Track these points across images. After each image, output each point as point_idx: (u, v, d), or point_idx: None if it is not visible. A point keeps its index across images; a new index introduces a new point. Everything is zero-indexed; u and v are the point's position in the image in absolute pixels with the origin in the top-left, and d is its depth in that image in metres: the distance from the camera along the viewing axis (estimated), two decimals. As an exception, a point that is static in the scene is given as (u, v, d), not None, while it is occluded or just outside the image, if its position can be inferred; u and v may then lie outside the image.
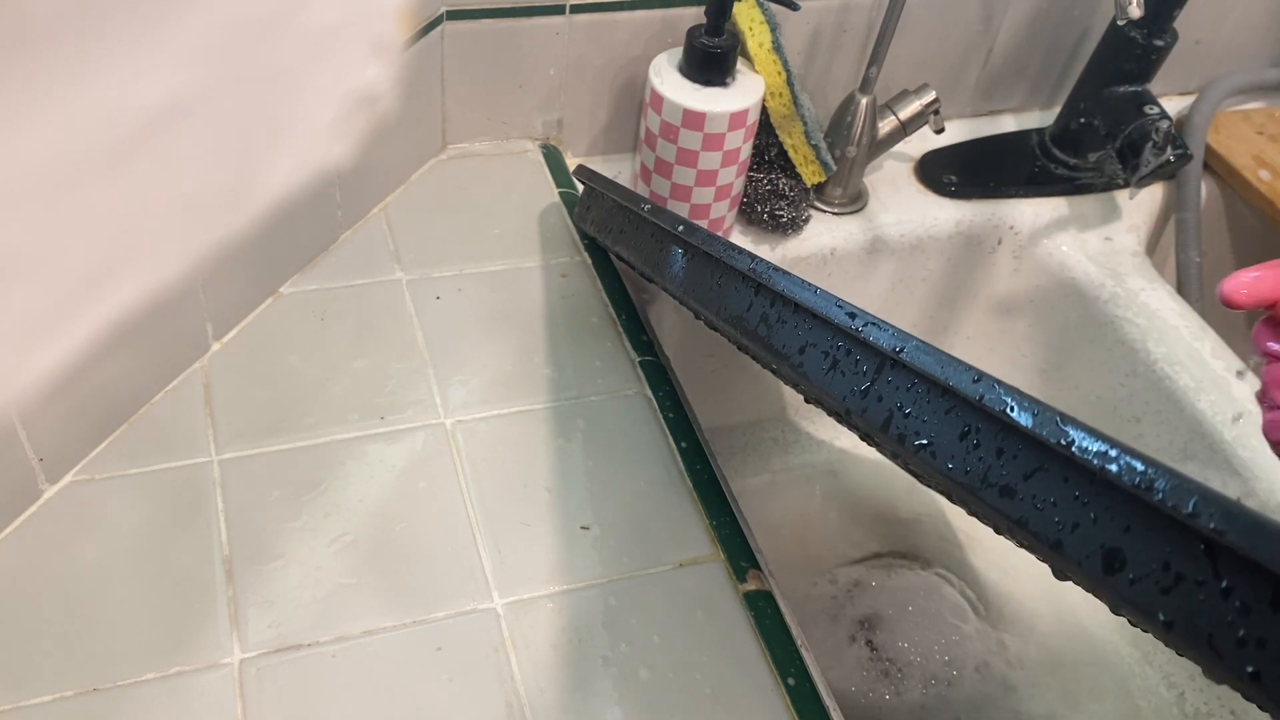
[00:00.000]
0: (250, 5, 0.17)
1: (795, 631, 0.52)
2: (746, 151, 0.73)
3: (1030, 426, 0.28)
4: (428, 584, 0.52)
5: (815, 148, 0.77)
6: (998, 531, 0.35)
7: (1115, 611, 0.28)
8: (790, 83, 0.74)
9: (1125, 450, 0.25)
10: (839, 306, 0.37)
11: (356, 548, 0.53)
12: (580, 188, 0.74)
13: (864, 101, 0.77)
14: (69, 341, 0.16)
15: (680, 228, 0.50)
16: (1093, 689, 0.78)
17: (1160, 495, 0.24)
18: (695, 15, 0.73)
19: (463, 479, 0.57)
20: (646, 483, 0.58)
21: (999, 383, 0.30)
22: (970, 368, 0.31)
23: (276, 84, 0.18)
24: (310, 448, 0.57)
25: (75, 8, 0.14)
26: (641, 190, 0.75)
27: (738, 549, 0.55)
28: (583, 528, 0.55)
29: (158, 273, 0.17)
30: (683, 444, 0.60)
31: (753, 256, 0.44)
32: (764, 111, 0.74)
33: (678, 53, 0.72)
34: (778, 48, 0.73)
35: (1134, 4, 0.72)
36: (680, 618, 0.52)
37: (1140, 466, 0.25)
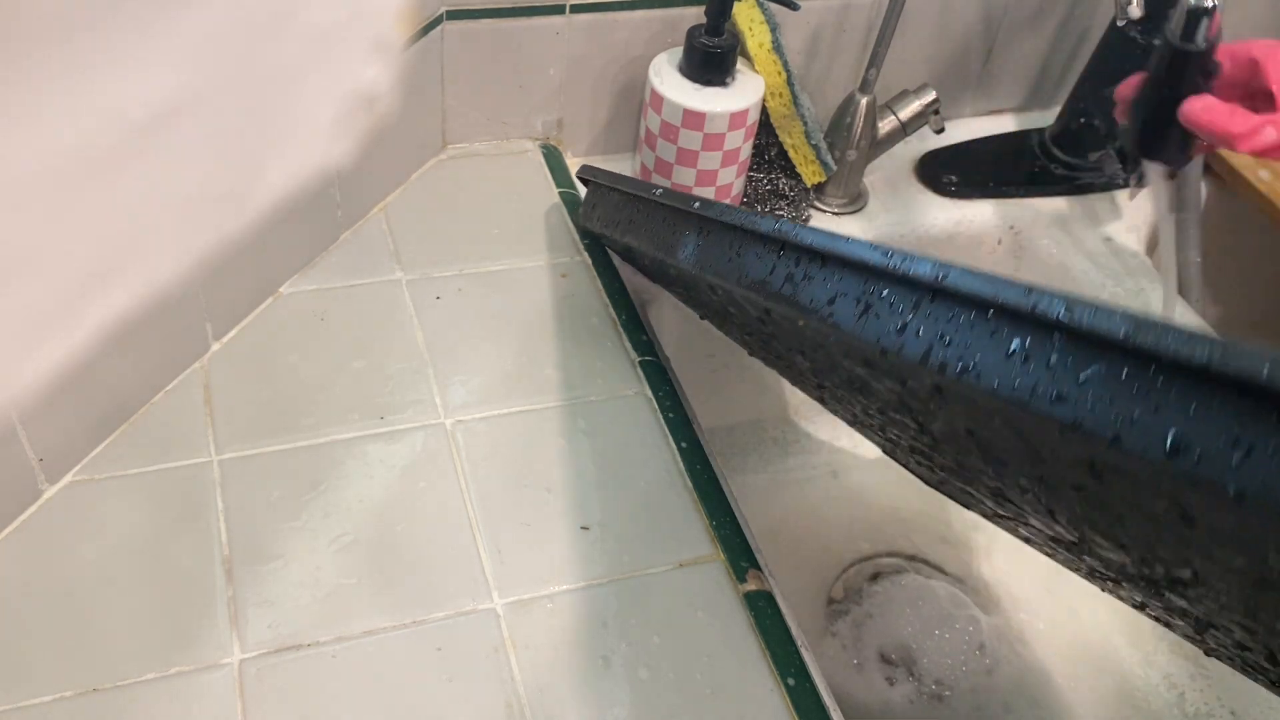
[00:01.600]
0: (250, 5, 0.17)
1: (795, 631, 0.52)
2: (746, 151, 0.73)
3: (1089, 324, 0.27)
4: (428, 584, 0.52)
5: (815, 148, 0.77)
6: (1037, 459, 0.33)
7: (1176, 497, 0.27)
8: (790, 83, 0.74)
9: (1188, 333, 0.25)
10: (874, 249, 0.36)
11: (356, 548, 0.53)
12: (583, 190, 0.74)
13: (864, 102, 0.77)
14: (69, 341, 0.16)
15: (696, 204, 0.50)
16: (1093, 689, 0.78)
17: (1230, 370, 0.24)
18: (695, 15, 0.73)
19: (463, 479, 0.57)
20: (646, 483, 0.58)
21: (1050, 290, 0.29)
22: (1020, 282, 0.31)
23: (276, 84, 0.18)
24: (310, 448, 0.57)
25: (76, 8, 0.14)
26: (641, 190, 0.75)
27: (738, 549, 0.55)
28: (583, 528, 0.55)
29: (158, 273, 0.17)
30: (683, 444, 0.60)
31: (775, 218, 0.43)
32: (764, 111, 0.74)
33: (678, 53, 0.72)
34: (778, 48, 0.73)
35: (1134, 4, 0.72)
36: (680, 618, 0.52)
37: (1206, 347, 0.24)
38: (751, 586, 0.54)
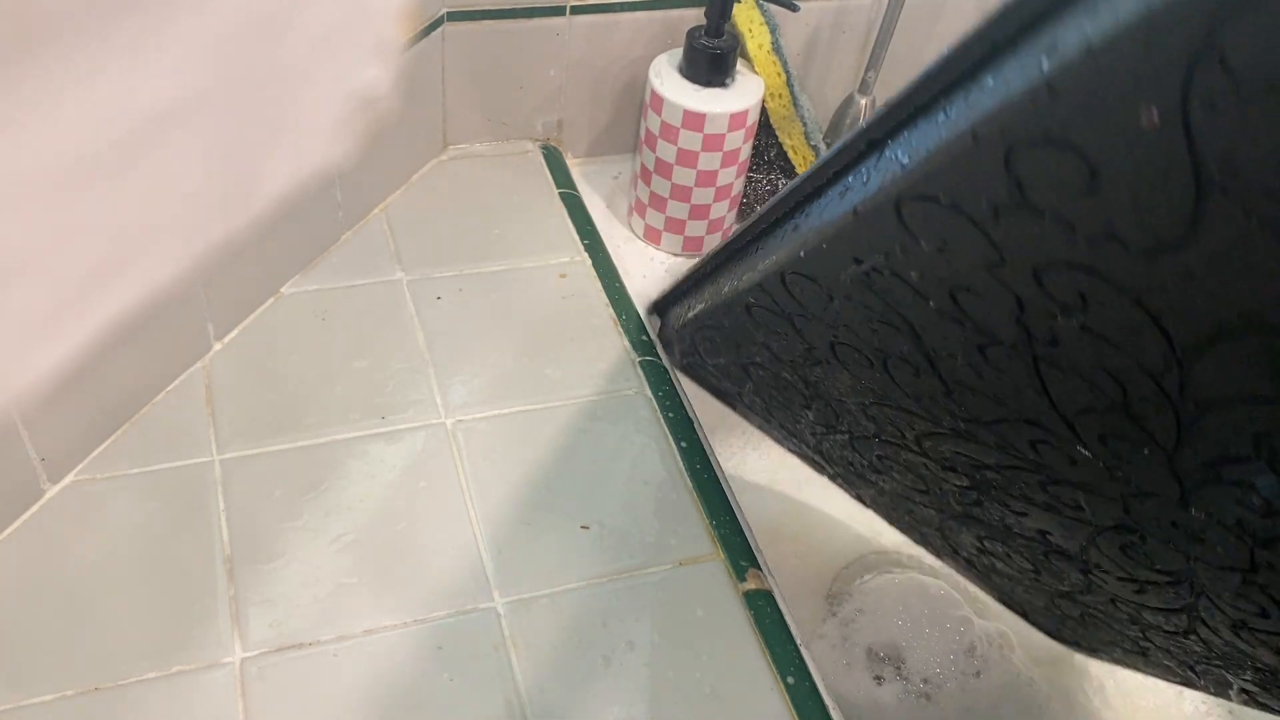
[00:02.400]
0: (251, 6, 0.17)
1: (795, 630, 0.52)
2: (746, 152, 0.73)
3: (997, 28, 0.31)
4: (428, 583, 0.52)
5: (815, 149, 0.77)
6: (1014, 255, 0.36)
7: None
8: (790, 84, 0.74)
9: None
10: (845, 138, 0.41)
11: (357, 547, 0.53)
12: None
13: (863, 102, 0.78)
14: (71, 341, 0.16)
15: (733, 235, 0.54)
16: (1091, 688, 0.78)
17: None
18: (695, 16, 0.73)
19: (463, 478, 0.57)
20: (646, 483, 0.58)
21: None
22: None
23: (278, 85, 0.18)
24: (311, 447, 0.57)
25: (78, 9, 0.14)
26: (641, 190, 0.75)
27: (738, 548, 0.55)
28: (583, 527, 0.55)
29: (159, 272, 0.17)
30: (683, 444, 0.60)
31: (779, 199, 0.47)
32: (763, 112, 0.74)
33: (678, 54, 0.72)
34: (777, 49, 0.73)
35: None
36: (680, 617, 0.52)
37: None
38: (751, 585, 0.54)
